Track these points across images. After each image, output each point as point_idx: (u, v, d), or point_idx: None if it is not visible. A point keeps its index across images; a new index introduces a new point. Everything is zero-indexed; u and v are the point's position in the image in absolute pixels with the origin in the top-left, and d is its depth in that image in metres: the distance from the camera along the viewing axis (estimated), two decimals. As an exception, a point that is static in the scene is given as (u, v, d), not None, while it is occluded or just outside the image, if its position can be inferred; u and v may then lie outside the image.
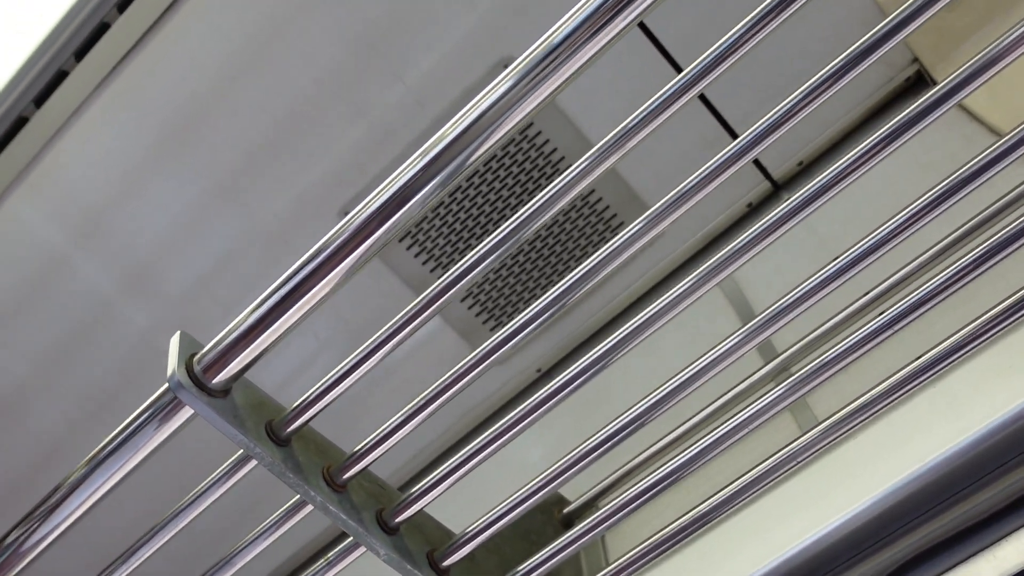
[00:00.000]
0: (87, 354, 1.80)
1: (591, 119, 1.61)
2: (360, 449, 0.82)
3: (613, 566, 0.90)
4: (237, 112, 1.59)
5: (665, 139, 1.59)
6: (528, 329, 0.78)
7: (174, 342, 0.78)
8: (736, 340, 0.78)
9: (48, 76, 1.53)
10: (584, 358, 0.81)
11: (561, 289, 0.76)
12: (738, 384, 1.10)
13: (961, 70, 0.68)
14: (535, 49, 0.63)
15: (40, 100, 1.55)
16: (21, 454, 1.89)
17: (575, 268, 0.76)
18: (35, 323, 1.77)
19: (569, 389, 0.81)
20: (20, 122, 1.56)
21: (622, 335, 0.79)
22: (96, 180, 1.65)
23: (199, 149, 1.62)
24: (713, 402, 1.10)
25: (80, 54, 1.52)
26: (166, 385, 0.77)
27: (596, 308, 1.78)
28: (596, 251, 0.75)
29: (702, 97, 1.60)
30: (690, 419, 1.10)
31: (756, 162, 1.65)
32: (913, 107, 0.68)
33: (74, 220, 1.68)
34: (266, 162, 1.64)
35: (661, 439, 1.13)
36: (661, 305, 0.78)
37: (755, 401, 0.81)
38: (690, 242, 1.72)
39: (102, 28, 1.49)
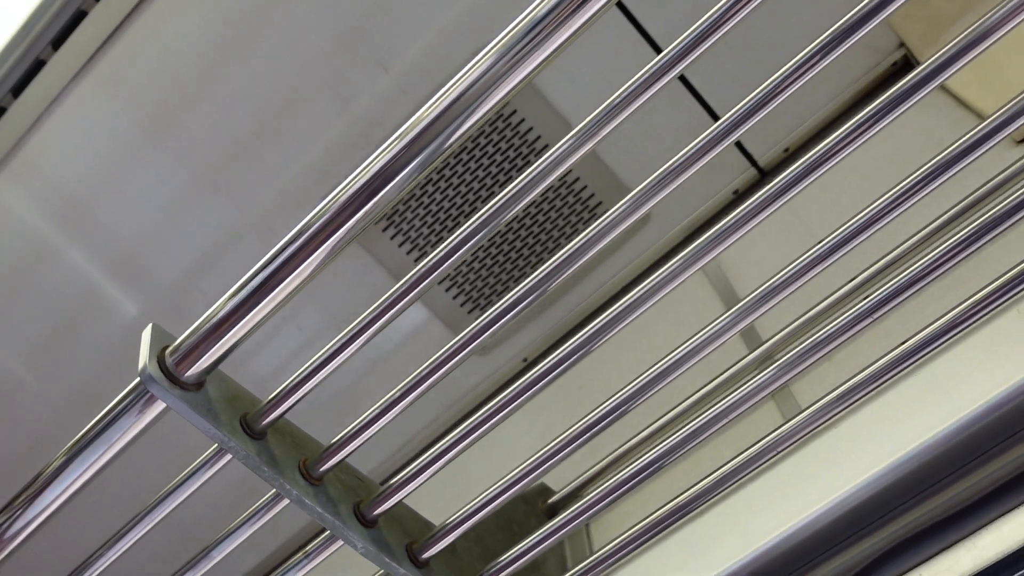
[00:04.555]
0: (72, 346, 1.79)
1: (571, 101, 1.60)
2: (337, 441, 0.81)
3: (597, 555, 0.89)
4: (218, 101, 1.57)
5: (648, 124, 1.59)
6: (510, 315, 0.76)
7: (146, 334, 0.77)
8: (720, 325, 0.77)
9: (25, 65, 1.51)
10: (567, 344, 0.80)
11: (543, 274, 0.75)
12: (723, 372, 1.09)
13: (945, 50, 0.67)
14: (514, 28, 0.61)
15: (17, 90, 1.54)
16: (6, 446, 1.87)
17: (557, 253, 0.75)
18: (19, 314, 1.75)
19: (552, 375, 0.80)
20: (-3, 112, 1.54)
21: (605, 320, 0.78)
22: (77, 170, 1.63)
23: (181, 138, 1.60)
24: (698, 391, 1.09)
25: (57, 43, 1.50)
26: (138, 378, 0.75)
27: (583, 297, 1.77)
28: (578, 235, 0.74)
29: (685, 82, 1.59)
30: (674, 408, 1.09)
31: (742, 149, 1.63)
32: (896, 87, 0.67)
33: (56, 210, 1.66)
34: (250, 151, 1.63)
35: (645, 429, 1.12)
36: (645, 289, 0.76)
37: (738, 387, 0.80)
38: (676, 230, 1.71)
39: (79, 16, 1.47)
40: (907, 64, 1.55)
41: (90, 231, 1.68)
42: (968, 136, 0.70)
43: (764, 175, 1.66)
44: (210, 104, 1.58)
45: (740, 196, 1.67)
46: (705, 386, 1.08)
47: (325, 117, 1.61)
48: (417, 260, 1.64)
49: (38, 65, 1.52)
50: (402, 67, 1.57)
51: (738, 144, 1.62)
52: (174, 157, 1.62)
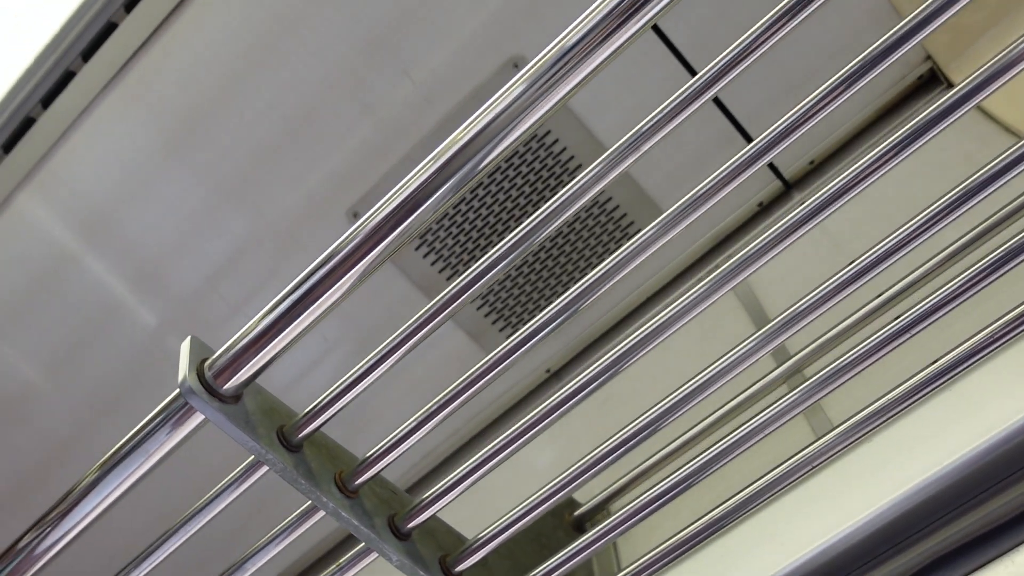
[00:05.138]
0: (96, 354, 1.80)
1: (604, 123, 1.61)
2: (372, 455, 0.82)
3: (625, 572, 0.90)
4: (245, 111, 1.59)
5: (678, 142, 1.59)
6: (541, 334, 0.77)
7: (185, 347, 0.78)
8: (750, 345, 0.78)
9: (55, 76, 1.53)
10: (596, 362, 0.80)
11: (575, 294, 0.76)
12: (751, 387, 1.09)
13: (979, 72, 0.67)
14: (548, 52, 0.62)
15: (47, 101, 1.56)
16: (30, 454, 1.89)
17: (588, 272, 0.76)
18: (44, 323, 1.77)
19: (583, 394, 0.81)
20: (27, 123, 1.56)
21: (635, 340, 0.78)
22: (104, 180, 1.65)
23: (207, 148, 1.62)
24: (726, 404, 1.09)
25: (87, 54, 1.52)
26: (177, 391, 0.76)
27: (606, 308, 1.77)
28: (609, 255, 0.75)
29: (716, 100, 1.59)
30: (702, 422, 1.09)
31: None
32: (931, 110, 0.67)
33: (82, 220, 1.68)
34: (274, 161, 1.64)
35: (673, 442, 1.12)
36: (675, 310, 0.77)
37: (769, 406, 0.80)
38: (701, 241, 1.71)
39: (109, 28, 1.49)
40: (933, 77, 1.55)
41: (116, 241, 1.70)
42: (1003, 156, 0.70)
43: (789, 187, 1.66)
44: (236, 114, 1.60)
45: (765, 208, 1.67)
46: (733, 400, 1.08)
47: (349, 126, 1.62)
48: (448, 278, 1.65)
49: (68, 76, 1.54)
50: (426, 76, 1.58)
51: (763, 156, 1.62)
52: (200, 167, 1.64)
